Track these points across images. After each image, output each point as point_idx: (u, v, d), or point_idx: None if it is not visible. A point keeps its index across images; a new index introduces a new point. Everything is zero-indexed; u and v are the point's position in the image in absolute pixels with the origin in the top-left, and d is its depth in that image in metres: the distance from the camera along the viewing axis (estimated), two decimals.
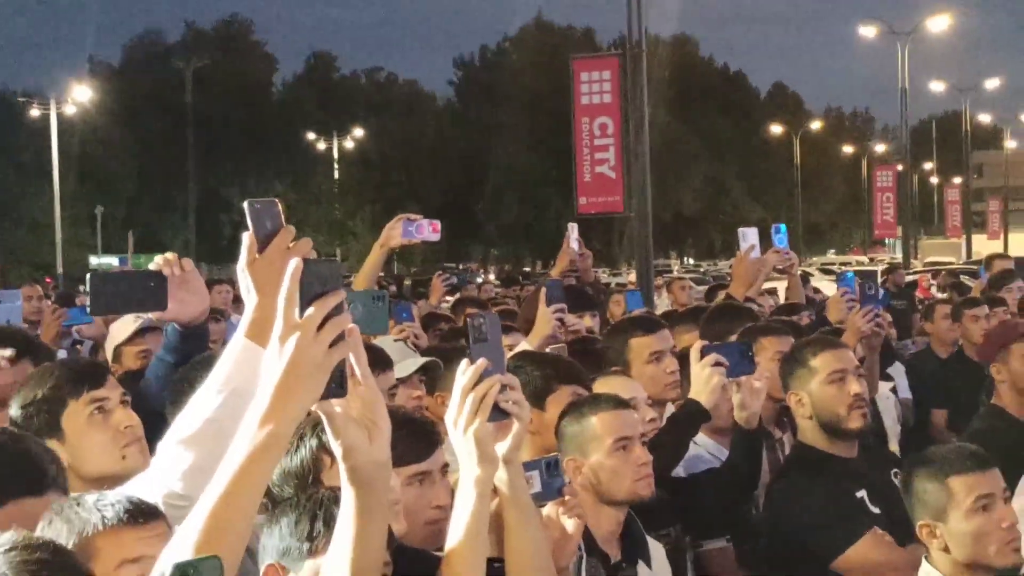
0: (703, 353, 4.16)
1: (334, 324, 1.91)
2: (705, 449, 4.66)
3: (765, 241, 6.95)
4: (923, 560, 3.45)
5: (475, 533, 2.53)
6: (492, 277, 44.83)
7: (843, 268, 30.24)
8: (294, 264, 1.92)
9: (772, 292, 9.03)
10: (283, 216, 2.34)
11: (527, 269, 59.67)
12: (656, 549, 3.64)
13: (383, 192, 65.28)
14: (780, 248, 7.12)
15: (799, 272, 7.67)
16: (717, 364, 4.11)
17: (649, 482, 3.46)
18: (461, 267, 59.19)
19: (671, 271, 46.22)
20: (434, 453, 3.02)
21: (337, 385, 1.96)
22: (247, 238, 2.30)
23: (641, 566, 3.50)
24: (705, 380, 4.12)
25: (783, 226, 7.33)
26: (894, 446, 6.99)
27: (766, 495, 4.50)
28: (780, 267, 7.35)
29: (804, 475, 4.27)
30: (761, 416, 4.37)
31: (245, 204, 2.30)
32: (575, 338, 5.38)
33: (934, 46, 65.41)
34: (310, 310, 1.91)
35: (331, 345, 1.92)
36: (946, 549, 3.35)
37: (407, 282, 29.29)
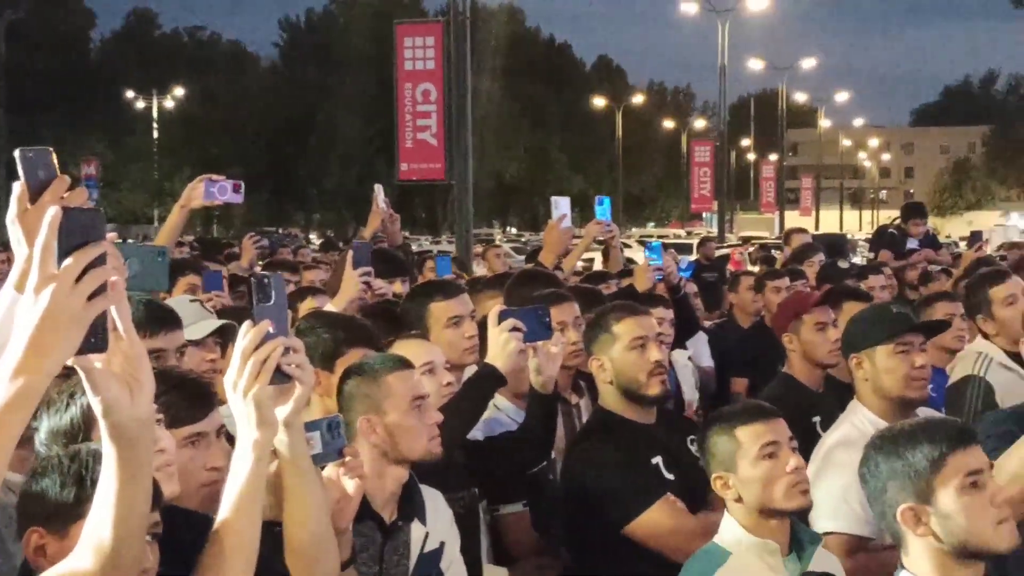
0: (501, 318, 4.17)
1: (94, 276, 1.84)
2: (505, 413, 4.68)
3: (588, 211, 7.05)
4: (725, 515, 3.52)
5: (251, 496, 2.48)
6: (317, 242, 44.38)
7: (660, 240, 30.77)
8: (52, 212, 1.84)
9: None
10: (57, 166, 2.24)
11: (351, 235, 59.29)
12: (436, 507, 3.63)
13: (205, 153, 63.98)
14: (602, 220, 7.23)
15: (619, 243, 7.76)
16: (514, 329, 4.13)
17: (439, 441, 3.46)
18: (281, 231, 58.46)
19: (493, 240, 46.43)
20: (210, 414, 2.95)
21: (97, 339, 1.88)
22: (18, 187, 2.19)
23: (416, 523, 3.49)
24: (502, 345, 4.12)
25: (606, 199, 7.43)
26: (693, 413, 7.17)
27: (563, 459, 4.55)
28: (601, 238, 7.45)
29: (601, 440, 4.32)
30: (558, 381, 4.41)
31: (17, 153, 2.20)
32: (377, 301, 5.36)
33: (753, 25, 66.98)
34: (68, 260, 1.83)
35: (90, 297, 1.84)
36: (739, 499, 3.45)
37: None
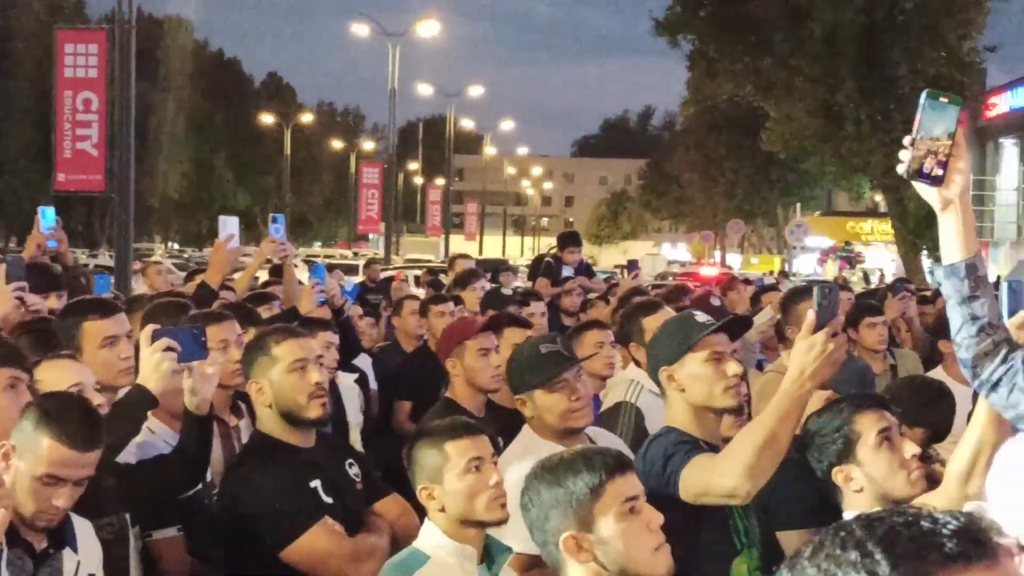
0: (154, 337, 4.07)
1: None
2: (161, 437, 4.56)
3: (254, 229, 6.96)
4: (427, 522, 3.57)
5: None
6: None
7: (326, 260, 30.67)
8: None
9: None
10: None
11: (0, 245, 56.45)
12: (87, 535, 3.51)
13: None
14: (276, 238, 7.16)
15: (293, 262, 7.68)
16: (168, 349, 4.03)
17: None
18: None
19: (154, 255, 45.11)
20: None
21: None
22: None
23: (67, 552, 3.36)
24: (154, 365, 4.02)
25: (280, 216, 7.36)
26: (357, 436, 7.17)
27: (220, 483, 4.47)
28: (275, 257, 7.37)
29: (259, 463, 4.26)
30: (215, 402, 4.33)
31: None
32: (33, 318, 5.12)
33: (423, 50, 67.83)
34: None
35: None
36: (443, 510, 3.52)
37: None
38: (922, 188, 3.07)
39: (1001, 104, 43.98)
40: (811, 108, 36.46)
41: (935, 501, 3.23)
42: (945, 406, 5.14)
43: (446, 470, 3.53)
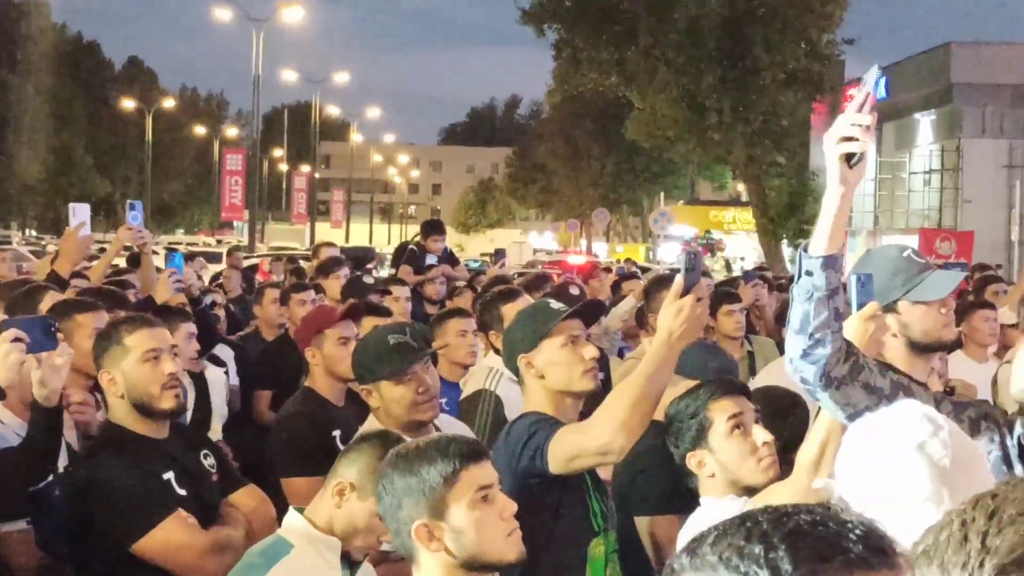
0: (2, 328, 3.96)
1: None
2: (12, 428, 4.45)
3: (115, 216, 6.84)
4: (291, 511, 3.57)
5: None
6: None
7: (188, 248, 30.19)
8: None
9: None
10: None
11: None
12: None
13: None
14: (133, 225, 7.02)
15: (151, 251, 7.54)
16: (17, 339, 3.93)
17: None
18: None
19: (10, 242, 43.97)
20: None
21: None
22: None
23: None
24: (2, 356, 3.92)
25: (139, 203, 7.23)
26: (219, 427, 7.08)
27: (70, 474, 4.37)
28: (132, 244, 7.22)
29: (110, 455, 4.18)
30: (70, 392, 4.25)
31: None
32: None
33: (288, 36, 67.12)
34: None
35: None
36: (339, 505, 3.50)
37: None
38: (839, 170, 3.01)
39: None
40: (674, 98, 36.95)
41: (784, 491, 3.28)
42: (798, 416, 5.20)
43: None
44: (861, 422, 2.43)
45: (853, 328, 3.18)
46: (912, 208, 40.50)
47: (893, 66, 42.94)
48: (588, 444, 3.69)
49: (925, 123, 40.90)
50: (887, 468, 2.29)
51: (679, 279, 3.60)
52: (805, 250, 3.07)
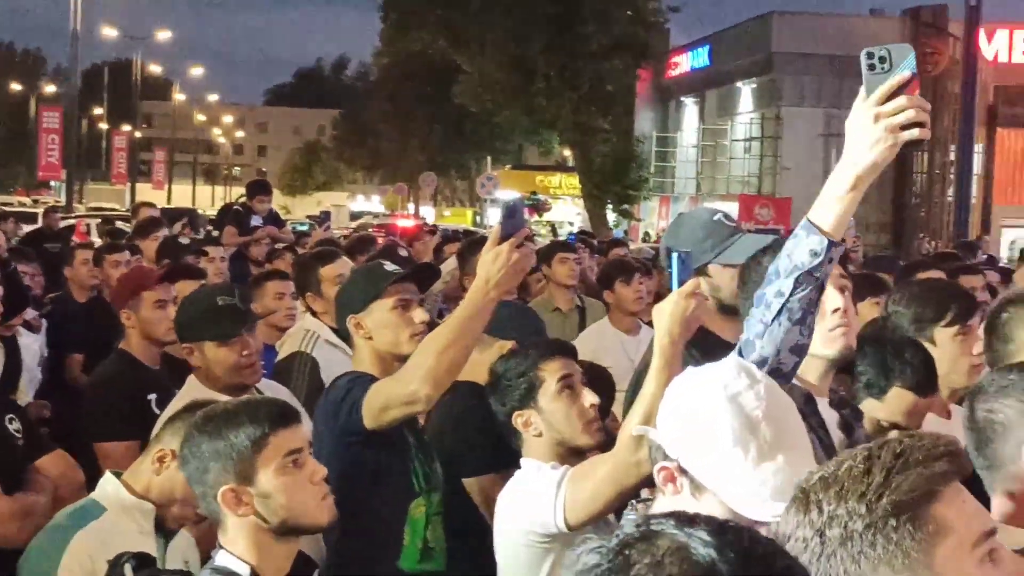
0: None
1: None
2: None
3: None
4: (107, 475, 3.50)
5: None
6: None
7: (4, 208, 29.15)
8: None
9: None
10: None
11: None
12: None
13: None
14: None
15: None
16: None
17: None
18: None
19: None
20: None
21: None
22: None
23: None
24: None
25: None
26: (30, 392, 6.87)
27: None
28: None
29: None
30: None
31: None
32: None
33: None
34: None
35: None
36: (158, 472, 3.47)
37: None
38: (886, 153, 2.63)
39: (683, 64, 45.80)
40: (502, 63, 37.02)
41: (604, 466, 3.31)
42: (603, 388, 5.23)
43: None
44: (684, 375, 2.47)
45: (672, 305, 3.17)
46: (733, 175, 41.40)
47: (716, 35, 43.78)
48: (396, 393, 3.69)
49: (746, 92, 41.79)
50: (701, 416, 2.33)
51: (497, 226, 3.60)
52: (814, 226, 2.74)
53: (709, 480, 2.33)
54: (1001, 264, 13.01)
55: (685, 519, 1.41)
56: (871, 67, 2.60)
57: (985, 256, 13.28)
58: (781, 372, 2.89)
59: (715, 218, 4.01)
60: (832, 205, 2.68)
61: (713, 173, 43.81)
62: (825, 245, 2.71)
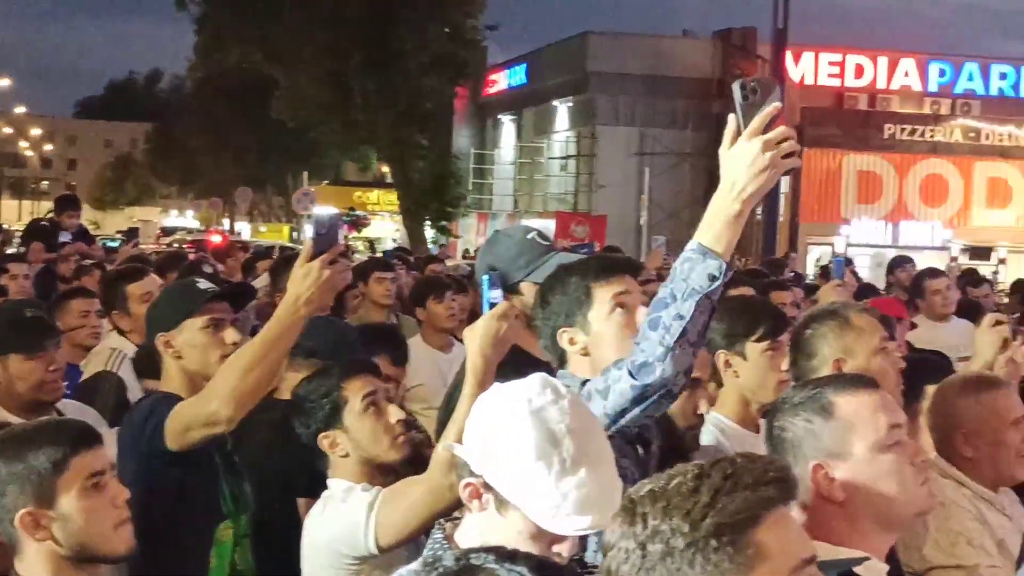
0: None
1: None
2: None
3: None
4: None
5: None
6: None
7: None
8: None
9: None
10: None
11: None
12: None
13: None
14: None
15: None
16: None
17: None
18: None
19: None
20: None
21: None
22: None
23: None
24: None
25: None
26: None
27: None
28: None
29: None
30: None
31: None
32: None
33: None
34: None
35: None
36: None
37: None
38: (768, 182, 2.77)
39: (500, 81, 46.14)
40: (319, 78, 36.73)
41: (418, 487, 3.28)
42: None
43: None
44: (489, 391, 2.47)
45: (483, 327, 3.17)
46: (550, 192, 41.80)
47: (533, 53, 44.21)
48: (197, 413, 3.62)
49: (563, 110, 42.28)
50: (505, 431, 2.33)
51: (308, 242, 3.54)
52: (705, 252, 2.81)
53: (513, 495, 2.32)
54: (808, 281, 13.35)
55: (505, 555, 1.40)
56: (744, 97, 2.73)
57: (792, 273, 13.64)
58: (672, 394, 2.94)
59: (529, 236, 4.04)
60: (723, 230, 2.78)
61: (530, 190, 44.17)
62: (724, 268, 2.78)
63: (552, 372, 3.13)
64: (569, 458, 2.30)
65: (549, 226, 30.16)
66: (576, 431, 2.34)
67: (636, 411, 2.92)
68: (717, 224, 2.80)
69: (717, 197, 2.81)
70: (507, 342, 3.20)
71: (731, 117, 2.77)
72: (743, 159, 2.73)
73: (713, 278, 2.79)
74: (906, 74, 38.92)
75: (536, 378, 2.44)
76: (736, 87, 2.76)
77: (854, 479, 2.60)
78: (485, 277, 3.29)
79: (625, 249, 17.74)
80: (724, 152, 2.77)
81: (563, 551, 2.35)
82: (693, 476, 1.79)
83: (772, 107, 2.71)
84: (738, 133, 2.75)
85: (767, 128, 2.72)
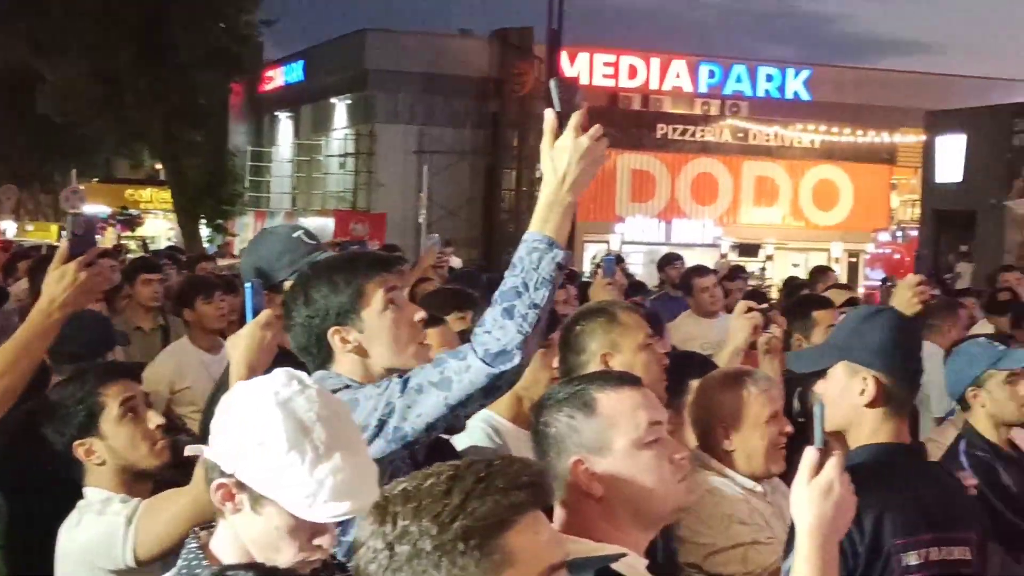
0: None
1: None
2: None
3: None
4: None
5: None
6: None
7: None
8: None
9: None
10: None
11: None
12: None
13: None
14: None
15: None
16: None
17: None
18: None
19: None
20: None
21: None
22: None
23: None
24: None
25: None
26: None
27: None
28: None
29: None
30: None
31: None
32: None
33: None
34: None
35: None
36: None
37: None
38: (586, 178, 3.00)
39: (277, 78, 45.62)
40: (87, 73, 35.66)
41: (180, 499, 3.21)
42: None
43: None
44: (234, 389, 2.42)
45: (247, 336, 3.13)
46: (329, 190, 41.54)
47: (311, 50, 43.83)
48: None
49: (341, 108, 42.03)
50: (253, 426, 2.28)
51: (64, 243, 3.43)
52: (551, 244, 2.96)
53: (267, 489, 2.27)
54: (584, 279, 13.58)
55: (266, 571, 1.37)
56: (559, 96, 2.97)
57: (567, 271, 13.82)
58: (513, 382, 3.02)
59: (295, 235, 4.00)
60: (561, 221, 2.95)
61: (308, 188, 43.80)
62: (566, 258, 2.97)
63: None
64: (322, 445, 2.26)
65: (328, 224, 30.00)
66: (326, 418, 2.30)
67: (481, 399, 2.97)
68: (554, 216, 2.95)
69: (548, 190, 2.96)
70: (272, 350, 3.16)
71: (548, 113, 2.96)
72: (572, 153, 2.91)
73: (560, 267, 2.94)
74: (677, 75, 39.99)
75: (280, 372, 2.39)
76: (553, 85, 2.98)
77: (613, 474, 2.64)
78: (248, 285, 3.23)
79: (405, 247, 17.74)
80: (547, 147, 2.94)
81: (324, 543, 2.32)
82: (447, 477, 1.78)
83: (585, 105, 2.95)
84: (557, 129, 2.93)
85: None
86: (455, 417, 3.01)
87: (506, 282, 2.93)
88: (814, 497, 2.51)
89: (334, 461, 2.26)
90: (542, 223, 2.96)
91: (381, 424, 2.92)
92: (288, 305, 3.23)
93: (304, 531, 2.29)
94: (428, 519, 1.73)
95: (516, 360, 2.90)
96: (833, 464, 2.54)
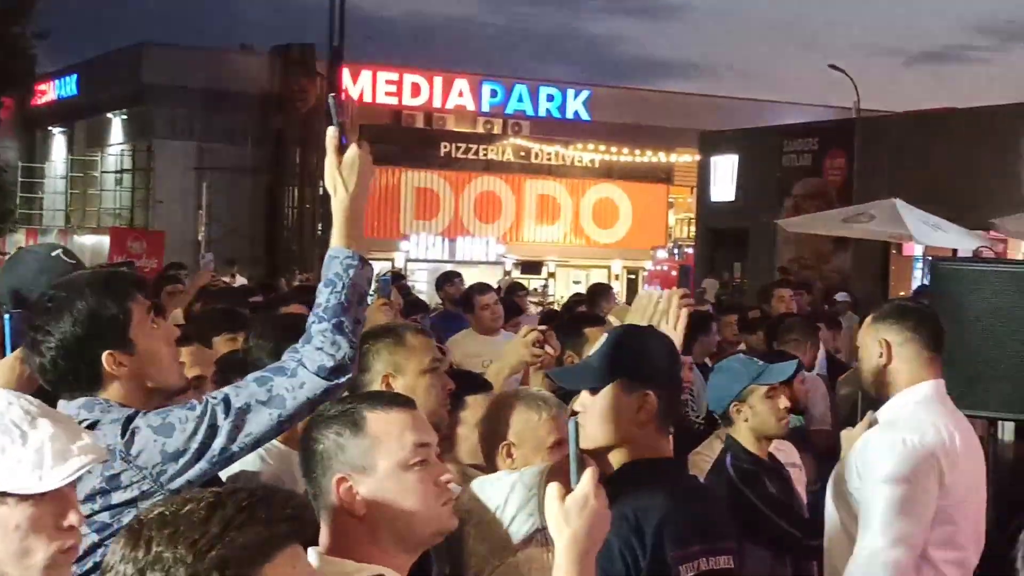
0: None
1: None
2: None
3: None
4: None
5: None
6: None
7: None
8: None
9: None
10: None
11: None
12: None
13: None
14: None
15: None
16: None
17: None
18: None
19: None
20: None
21: None
22: None
23: None
24: None
25: None
26: None
27: None
28: None
29: None
30: None
31: None
32: None
33: None
34: None
35: None
36: None
37: None
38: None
39: (50, 92, 44.21)
40: None
41: None
42: None
43: None
44: None
45: (6, 369, 3.03)
46: (105, 207, 40.46)
47: (85, 64, 42.63)
48: None
49: (117, 123, 41.02)
50: None
51: (333, 130, 3.32)
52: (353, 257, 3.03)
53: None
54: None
55: None
56: (337, 112, 3.12)
57: None
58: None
59: (54, 254, 3.89)
60: (360, 235, 3.05)
61: (84, 205, 42.57)
62: (373, 273, 3.07)
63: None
64: (25, 417, 2.20)
65: (104, 242, 29.15)
66: (18, 398, 2.26)
67: (308, 412, 2.96)
68: (355, 230, 3.04)
69: (344, 206, 3.04)
70: (33, 383, 3.03)
71: (331, 130, 3.08)
72: (359, 166, 3.06)
73: (370, 282, 3.05)
74: (460, 94, 40.29)
75: None
76: (331, 102, 3.15)
77: (376, 495, 2.62)
78: (7, 316, 3.12)
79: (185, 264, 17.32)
80: (332, 164, 3.06)
81: (74, 521, 2.22)
82: (207, 504, 1.74)
83: (350, 121, 3.09)
84: (338, 144, 3.07)
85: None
86: (279, 433, 2.99)
87: (328, 299, 2.96)
88: (570, 511, 2.55)
89: (43, 428, 2.20)
90: (347, 239, 3.03)
91: (203, 448, 2.83)
92: (40, 327, 3.03)
93: (47, 517, 2.19)
94: (184, 547, 1.68)
95: (351, 372, 2.97)
96: (588, 478, 2.59)
